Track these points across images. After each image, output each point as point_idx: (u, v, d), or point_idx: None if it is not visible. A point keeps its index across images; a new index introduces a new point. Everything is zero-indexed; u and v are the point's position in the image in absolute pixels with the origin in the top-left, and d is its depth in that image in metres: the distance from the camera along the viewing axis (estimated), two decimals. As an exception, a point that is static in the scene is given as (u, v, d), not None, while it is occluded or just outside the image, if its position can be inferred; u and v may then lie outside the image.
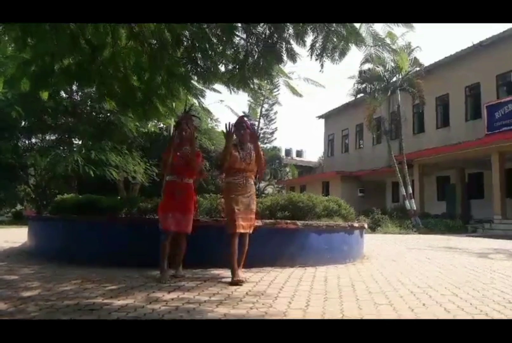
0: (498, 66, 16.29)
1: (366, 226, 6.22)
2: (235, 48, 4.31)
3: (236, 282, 3.76)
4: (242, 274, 4.06)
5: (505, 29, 15.94)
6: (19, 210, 25.07)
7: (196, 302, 3.06)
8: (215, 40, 4.22)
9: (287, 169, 30.56)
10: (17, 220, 19.45)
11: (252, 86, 4.71)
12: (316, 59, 4.05)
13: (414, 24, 4.18)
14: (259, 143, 4.39)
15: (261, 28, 4.12)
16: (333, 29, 3.83)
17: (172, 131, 7.38)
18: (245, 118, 4.39)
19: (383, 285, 3.86)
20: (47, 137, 16.21)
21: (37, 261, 5.18)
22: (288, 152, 38.29)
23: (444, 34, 68.58)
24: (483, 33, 48.49)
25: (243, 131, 4.14)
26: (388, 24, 3.85)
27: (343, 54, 4.04)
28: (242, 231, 3.96)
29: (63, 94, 12.91)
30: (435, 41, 62.83)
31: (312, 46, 4.01)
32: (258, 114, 26.07)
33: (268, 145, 31.43)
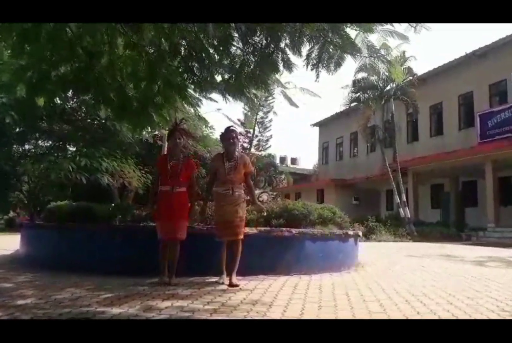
0: (491, 75, 16.49)
1: (360, 233, 6.24)
2: (232, 58, 4.36)
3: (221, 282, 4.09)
4: (236, 281, 4.09)
5: (498, 38, 16.17)
6: (11, 216, 24.83)
7: (190, 310, 3.05)
8: (211, 50, 4.26)
9: (282, 176, 30.56)
10: (9, 227, 19.25)
11: (248, 95, 4.75)
12: (312, 69, 4.10)
13: (409, 35, 4.25)
14: (254, 150, 4.51)
15: (258, 37, 4.17)
16: (329, 39, 3.88)
17: (166, 141, 7.42)
18: (233, 128, 4.42)
19: (377, 293, 3.86)
20: (41, 144, 16.09)
21: (30, 268, 5.13)
22: (282, 159, 38.25)
23: (438, 43, 69.42)
24: (476, 43, 49.13)
25: (230, 141, 4.20)
26: (383, 35, 3.92)
27: (338, 64, 4.10)
28: (227, 239, 4.14)
29: (57, 100, 12.81)
30: (429, 50, 63.55)
31: (308, 56, 4.07)
32: (253, 122, 26.12)
33: (263, 153, 31.41)
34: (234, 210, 4.12)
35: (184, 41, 4.30)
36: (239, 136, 4.38)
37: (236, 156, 4.23)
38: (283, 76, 7.25)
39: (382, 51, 4.22)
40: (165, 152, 7.48)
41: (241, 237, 4.21)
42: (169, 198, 4.16)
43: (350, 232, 5.73)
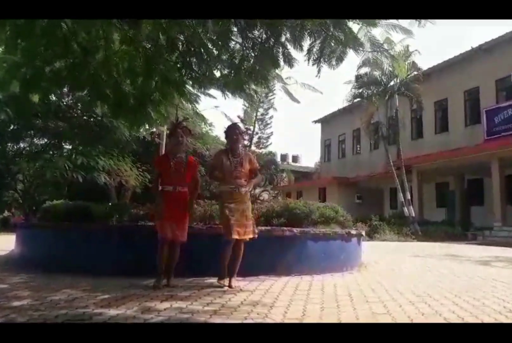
0: (498, 71, 16.22)
1: (363, 233, 6.15)
2: (231, 53, 4.28)
3: (220, 284, 3.98)
4: (236, 282, 4.03)
5: (505, 33, 15.93)
6: (6, 216, 24.79)
7: (189, 311, 2.99)
8: (210, 45, 4.18)
9: (283, 175, 30.50)
10: (4, 227, 19.11)
11: (248, 91, 4.67)
12: (313, 64, 4.02)
13: (413, 29, 4.17)
14: (254, 148, 4.44)
15: (257, 32, 4.09)
16: (330, 33, 3.79)
17: (165, 138, 7.35)
18: (238, 125, 4.39)
19: (381, 294, 3.78)
20: (36, 142, 15.94)
21: (25, 269, 5.04)
22: (284, 157, 38.11)
23: (443, 37, 69.13)
24: (482, 37, 48.83)
25: (235, 137, 4.13)
26: (386, 29, 3.84)
27: (340, 59, 4.01)
28: (237, 237, 3.97)
29: (53, 97, 12.69)
30: (433, 45, 63.30)
31: (310, 51, 3.98)
32: (254, 119, 26.05)
33: (264, 150, 31.31)
34: (241, 208, 4.04)
35: (182, 36, 4.23)
36: (242, 133, 4.31)
37: (241, 152, 4.19)
38: (284, 71, 7.16)
39: (386, 46, 4.15)
40: (164, 151, 7.39)
41: (251, 235, 4.07)
42: (172, 198, 4.09)
43: (353, 231, 5.65)
